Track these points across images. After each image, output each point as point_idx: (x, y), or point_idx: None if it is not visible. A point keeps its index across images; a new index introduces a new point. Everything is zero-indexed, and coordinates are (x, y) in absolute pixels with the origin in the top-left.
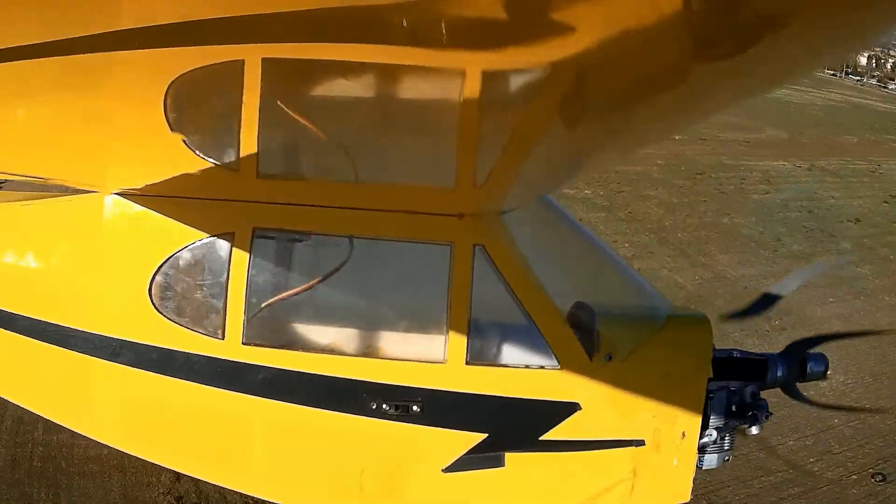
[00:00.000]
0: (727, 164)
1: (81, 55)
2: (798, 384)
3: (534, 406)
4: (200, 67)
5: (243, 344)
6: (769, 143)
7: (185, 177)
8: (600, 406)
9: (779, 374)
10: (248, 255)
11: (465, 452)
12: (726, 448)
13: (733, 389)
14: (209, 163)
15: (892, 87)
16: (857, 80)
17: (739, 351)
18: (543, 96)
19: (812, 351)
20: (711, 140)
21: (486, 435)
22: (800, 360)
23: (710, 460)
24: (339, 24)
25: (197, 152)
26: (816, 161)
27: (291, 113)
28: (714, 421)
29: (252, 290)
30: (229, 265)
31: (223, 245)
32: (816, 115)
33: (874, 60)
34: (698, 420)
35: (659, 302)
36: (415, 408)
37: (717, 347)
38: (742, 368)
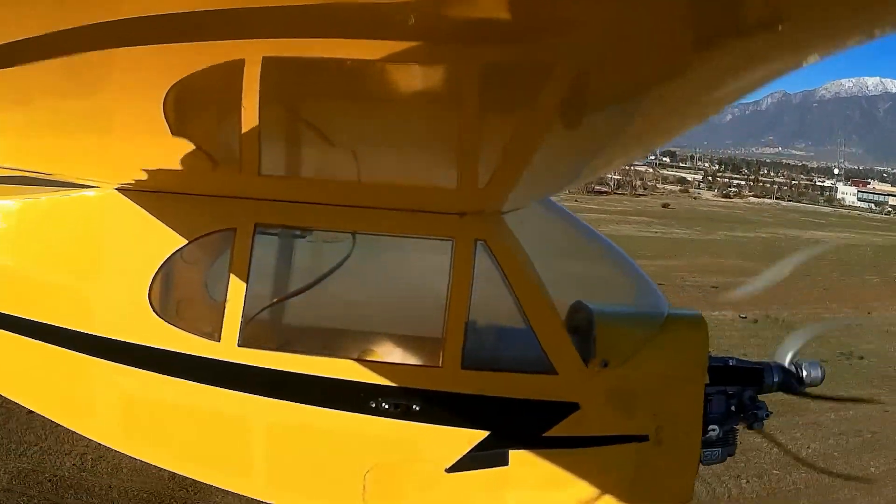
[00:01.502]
0: None
1: (82, 53)
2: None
3: (531, 409)
4: (201, 66)
5: (239, 346)
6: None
7: (187, 174)
8: (598, 411)
9: (775, 378)
10: (248, 252)
11: (466, 453)
12: (729, 444)
13: (731, 392)
14: (211, 160)
15: None
16: None
17: (735, 359)
18: (546, 97)
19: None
20: (674, 286)
21: (488, 433)
22: (795, 367)
23: (713, 456)
24: (339, 21)
25: (198, 149)
26: (781, 313)
27: (294, 111)
28: (715, 418)
29: (252, 290)
30: (230, 263)
31: (224, 243)
32: (864, 257)
33: None
34: (699, 418)
35: (659, 301)
36: (415, 407)
37: (712, 355)
38: (738, 376)
